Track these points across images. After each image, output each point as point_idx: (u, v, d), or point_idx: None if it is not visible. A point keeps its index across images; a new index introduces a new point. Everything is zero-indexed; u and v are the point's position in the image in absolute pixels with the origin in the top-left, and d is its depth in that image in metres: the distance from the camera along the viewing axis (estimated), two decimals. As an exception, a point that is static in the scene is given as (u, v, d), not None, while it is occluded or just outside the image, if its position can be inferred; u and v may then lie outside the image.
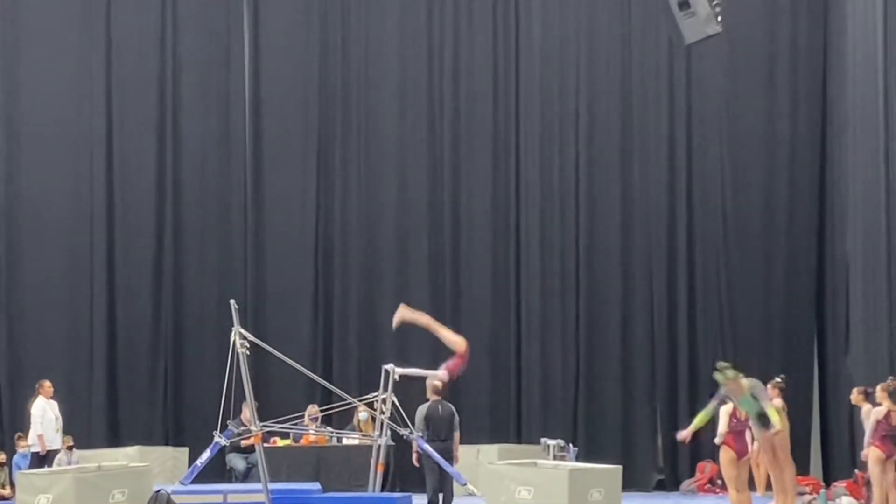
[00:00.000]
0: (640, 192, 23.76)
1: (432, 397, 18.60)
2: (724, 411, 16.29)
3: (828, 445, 22.83)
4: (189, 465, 20.77)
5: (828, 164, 23.36)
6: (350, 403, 18.99)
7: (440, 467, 17.94)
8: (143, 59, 23.69)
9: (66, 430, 21.83)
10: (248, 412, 20.52)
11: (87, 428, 22.49)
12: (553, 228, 23.78)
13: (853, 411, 19.25)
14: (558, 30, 23.95)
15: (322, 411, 20.97)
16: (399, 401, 17.82)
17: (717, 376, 16.01)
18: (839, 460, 21.89)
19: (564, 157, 23.86)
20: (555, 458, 20.41)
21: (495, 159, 23.94)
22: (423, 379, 17.88)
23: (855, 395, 18.21)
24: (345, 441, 20.98)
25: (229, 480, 21.77)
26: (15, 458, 21.16)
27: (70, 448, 21.40)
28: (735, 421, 16.27)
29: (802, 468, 21.40)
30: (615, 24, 23.91)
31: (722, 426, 16.24)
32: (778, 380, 19.38)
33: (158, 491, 17.04)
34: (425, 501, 18.33)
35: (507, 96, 23.99)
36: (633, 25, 23.85)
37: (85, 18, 23.71)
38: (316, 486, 19.14)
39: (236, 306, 17.91)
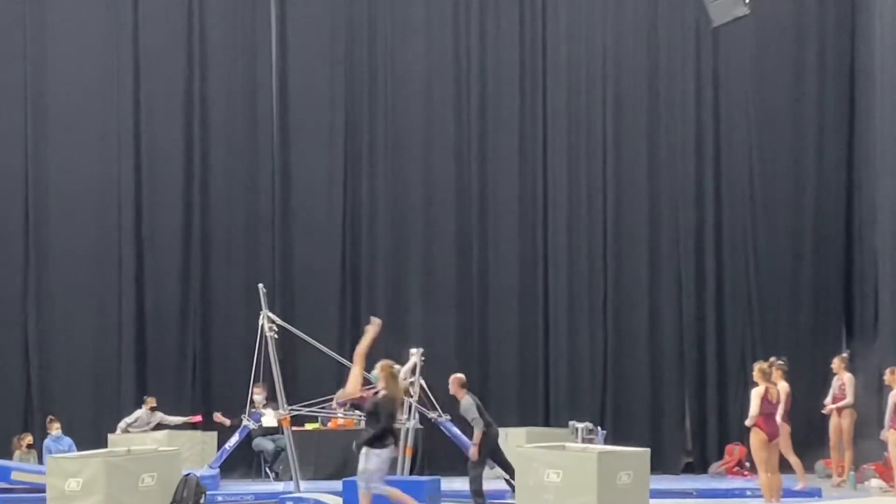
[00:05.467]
0: (668, 176, 23.68)
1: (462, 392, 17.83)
2: (756, 394, 16.28)
3: (857, 428, 22.73)
4: (218, 449, 20.91)
5: (856, 144, 23.25)
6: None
7: (492, 459, 17.44)
8: (170, 39, 23.60)
9: (97, 415, 21.99)
10: (258, 394, 20.63)
11: (116, 412, 22.49)
12: (580, 212, 23.73)
13: (882, 394, 19.19)
14: (585, 13, 23.86)
15: (350, 395, 21.00)
16: (427, 384, 17.87)
17: None
18: (869, 443, 21.80)
19: (591, 141, 23.79)
20: (583, 441, 20.41)
21: (522, 142, 23.86)
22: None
23: (888, 376, 18.20)
24: (373, 424, 20.95)
25: (258, 463, 21.86)
26: (46, 441, 21.20)
27: (153, 409, 21.59)
28: (767, 403, 16.26)
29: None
30: (642, 7, 23.81)
31: (753, 408, 16.23)
32: (780, 362, 19.11)
33: (188, 475, 17.11)
34: (456, 485, 18.28)
35: (533, 80, 23.89)
36: (660, 7, 23.76)
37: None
38: None
39: (264, 290, 18.00)
